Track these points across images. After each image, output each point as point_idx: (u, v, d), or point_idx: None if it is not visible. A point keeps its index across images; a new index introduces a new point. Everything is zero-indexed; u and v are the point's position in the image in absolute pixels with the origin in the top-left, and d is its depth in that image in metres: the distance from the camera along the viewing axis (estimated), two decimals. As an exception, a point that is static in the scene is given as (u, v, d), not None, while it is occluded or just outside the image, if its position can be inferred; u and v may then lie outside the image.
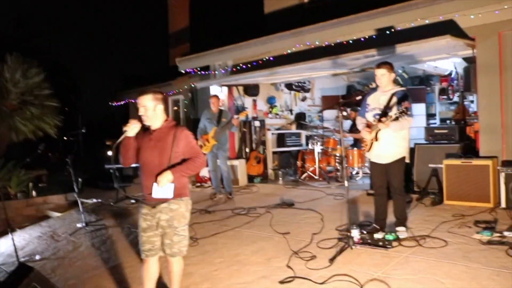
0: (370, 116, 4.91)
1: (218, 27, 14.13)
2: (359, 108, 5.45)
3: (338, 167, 9.11)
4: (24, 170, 10.25)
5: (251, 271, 4.47)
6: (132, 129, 3.60)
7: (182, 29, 15.20)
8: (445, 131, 7.20)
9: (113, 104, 16.37)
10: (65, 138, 10.93)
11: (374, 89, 5.00)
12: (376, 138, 4.78)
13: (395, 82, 5.06)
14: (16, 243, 7.35)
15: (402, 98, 4.65)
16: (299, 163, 9.73)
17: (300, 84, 11.13)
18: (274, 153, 10.59)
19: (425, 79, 10.77)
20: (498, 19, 6.23)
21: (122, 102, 16.06)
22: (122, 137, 3.63)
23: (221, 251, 5.22)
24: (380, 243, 4.56)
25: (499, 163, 6.17)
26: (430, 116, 10.63)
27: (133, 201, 8.58)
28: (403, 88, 4.92)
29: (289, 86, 11.11)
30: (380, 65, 4.90)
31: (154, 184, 3.52)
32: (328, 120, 11.54)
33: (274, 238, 5.45)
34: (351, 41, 7.54)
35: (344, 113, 9.19)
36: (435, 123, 10.25)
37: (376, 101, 4.90)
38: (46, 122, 10.65)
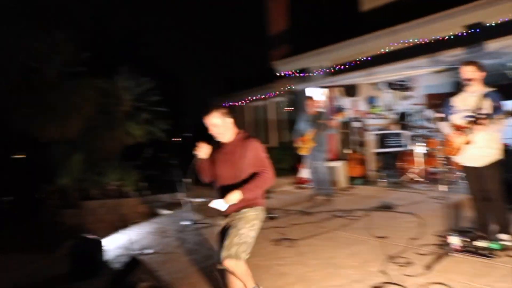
0: (458, 118, 4.67)
1: (316, 27, 14.13)
2: None
3: (443, 169, 8.69)
4: (138, 170, 11.14)
5: (345, 274, 4.49)
6: (202, 152, 3.73)
7: (281, 31, 15.41)
8: None
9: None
10: (173, 139, 11.68)
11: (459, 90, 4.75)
12: (469, 141, 4.53)
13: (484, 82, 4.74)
14: (131, 238, 8.13)
15: (498, 99, 4.39)
16: (400, 164, 9.44)
17: (401, 82, 10.77)
18: (375, 154, 10.37)
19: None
20: None
21: (226, 105, 16.67)
22: (195, 160, 3.80)
23: (317, 253, 5.28)
24: (482, 252, 4.32)
25: None
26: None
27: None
28: (494, 89, 4.60)
29: (389, 85, 10.81)
30: (467, 63, 4.65)
31: (217, 200, 3.63)
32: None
33: (370, 242, 5.40)
34: (450, 37, 7.18)
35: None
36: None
37: (463, 103, 4.66)
38: (155, 126, 11.50)
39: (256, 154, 3.64)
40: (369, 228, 5.93)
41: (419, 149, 8.86)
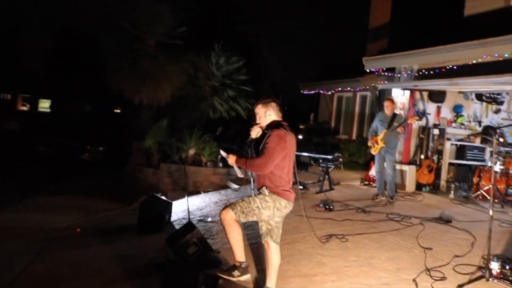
0: None
1: (418, 25, 13.77)
2: None
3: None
4: (217, 143, 11.81)
5: (377, 276, 4.67)
6: (255, 133, 4.17)
7: (382, 24, 15.19)
8: None
9: (304, 92, 17.30)
10: (253, 123, 12.18)
11: None
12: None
13: None
14: (198, 204, 8.76)
15: None
16: (475, 179, 9.16)
17: (492, 95, 10.32)
18: (451, 164, 10.12)
19: None
20: None
21: (313, 92, 16.86)
22: (249, 139, 4.22)
23: (359, 251, 5.47)
24: (519, 282, 4.29)
25: None
26: None
27: (301, 187, 9.26)
28: None
29: (479, 96, 10.40)
30: None
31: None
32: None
33: (414, 250, 5.47)
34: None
35: (501, 139, 8.34)
36: None
37: None
38: (239, 104, 12.04)
39: (267, 142, 3.97)
40: (418, 237, 5.98)
41: (496, 167, 8.55)
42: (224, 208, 4.18)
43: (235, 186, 10.48)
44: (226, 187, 10.86)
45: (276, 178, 4.05)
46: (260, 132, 4.17)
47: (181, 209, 8.41)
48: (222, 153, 4.38)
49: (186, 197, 7.04)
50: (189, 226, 5.62)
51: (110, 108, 37.74)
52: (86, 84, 34.02)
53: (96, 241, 7.07)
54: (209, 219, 7.41)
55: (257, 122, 4.22)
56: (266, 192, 4.07)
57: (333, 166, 9.59)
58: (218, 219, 7.29)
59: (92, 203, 10.92)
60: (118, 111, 38.38)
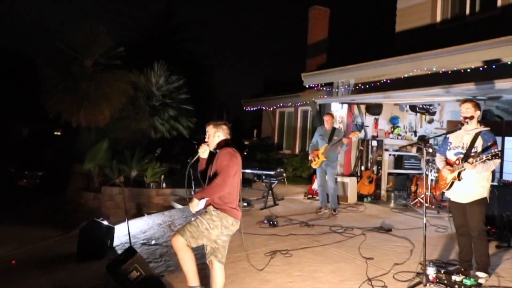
0: (451, 155, 4.81)
1: (355, 41, 14.29)
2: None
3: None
4: (160, 163, 11.62)
5: (321, 290, 4.71)
6: (203, 151, 4.27)
7: (320, 40, 15.63)
8: None
9: (247, 109, 17.42)
10: (194, 142, 12.10)
11: (457, 128, 4.87)
12: (458, 178, 4.66)
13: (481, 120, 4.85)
14: (141, 227, 8.55)
15: (489, 139, 4.50)
16: (413, 187, 9.51)
17: (425, 106, 10.81)
18: (390, 174, 10.46)
19: None
20: None
21: (255, 108, 17.00)
22: (196, 157, 4.32)
23: (303, 265, 5.50)
24: (455, 286, 4.45)
25: None
26: None
27: (245, 204, 9.26)
28: (487, 128, 4.70)
29: (413, 107, 10.86)
30: (465, 101, 4.78)
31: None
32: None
33: (356, 261, 5.57)
34: (468, 70, 7.25)
35: (430, 150, 8.78)
36: None
37: (459, 140, 4.78)
38: (180, 123, 11.95)
39: (219, 162, 4.06)
40: (360, 247, 6.11)
41: (430, 174, 8.92)
42: (174, 235, 4.13)
43: (179, 206, 10.34)
44: (170, 207, 10.69)
45: (226, 194, 4.08)
46: (207, 150, 4.27)
47: (123, 233, 8.16)
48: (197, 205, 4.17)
49: (126, 221, 6.85)
50: (130, 251, 5.45)
51: (50, 131, 36.34)
52: (24, 106, 32.59)
53: (33, 273, 6.73)
54: (153, 242, 7.25)
55: (206, 140, 4.31)
56: (212, 211, 4.08)
57: (276, 182, 9.66)
58: (162, 241, 7.23)
59: (29, 232, 10.42)
60: (59, 133, 37.03)
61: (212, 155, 4.24)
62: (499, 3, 8.49)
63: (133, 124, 11.53)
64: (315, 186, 10.10)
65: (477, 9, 9.24)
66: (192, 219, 4.22)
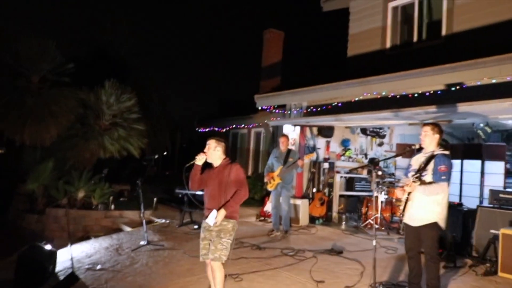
0: (410, 176, 4.87)
1: (308, 64, 14.49)
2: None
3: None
4: (109, 184, 11.24)
5: (271, 315, 4.60)
6: (200, 159, 4.69)
7: (275, 63, 15.80)
8: (511, 196, 6.81)
9: (200, 130, 17.30)
10: (144, 163, 11.85)
11: (420, 150, 4.96)
12: (408, 199, 4.72)
13: (441, 143, 4.96)
14: (86, 251, 8.17)
15: (440, 163, 4.59)
16: (363, 209, 9.63)
17: (375, 129, 11.04)
18: (341, 196, 10.56)
19: (513, 134, 10.19)
20: None
21: (208, 129, 16.91)
22: (192, 162, 4.74)
23: (253, 290, 5.39)
24: (403, 308, 4.45)
25: None
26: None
27: (196, 226, 9.08)
28: (445, 152, 4.78)
29: (363, 130, 11.07)
30: (424, 124, 4.89)
31: (214, 211, 4.55)
32: (401, 168, 11.26)
33: (307, 285, 5.52)
34: (416, 95, 7.48)
35: (379, 172, 9.00)
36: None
37: (417, 162, 4.86)
38: (131, 143, 11.65)
39: (236, 175, 4.69)
40: (311, 270, 6.06)
41: (381, 196, 9.06)
42: (213, 260, 4.56)
43: (128, 228, 10.02)
44: (119, 230, 10.32)
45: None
46: (204, 159, 4.71)
47: (68, 257, 7.80)
48: (210, 220, 4.60)
49: (69, 245, 6.51)
50: (71, 277, 5.20)
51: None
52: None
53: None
54: (98, 267, 6.90)
55: (205, 151, 4.76)
56: (229, 223, 4.66)
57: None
58: (108, 266, 6.92)
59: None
60: (1, 151, 35.37)
61: (207, 164, 4.76)
62: (443, 32, 8.83)
63: (82, 143, 11.13)
64: (267, 208, 10.06)
65: (423, 37, 9.59)
66: (202, 236, 4.71)
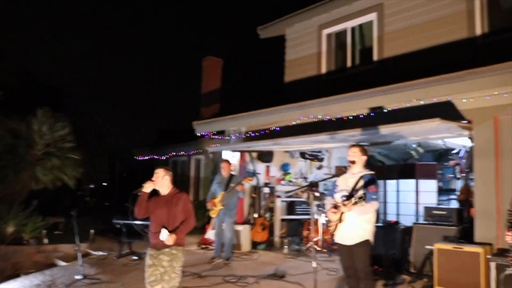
0: (338, 197, 4.94)
1: (247, 91, 14.61)
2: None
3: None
4: (42, 216, 10.64)
5: None
6: (148, 187, 4.82)
7: (214, 90, 15.84)
8: (444, 212, 7.10)
9: (139, 159, 16.94)
10: (79, 193, 11.39)
11: (345, 171, 5.06)
12: (340, 220, 4.78)
13: (368, 165, 5.10)
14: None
15: (368, 182, 4.70)
16: (305, 232, 9.68)
17: (313, 153, 11.21)
18: (283, 220, 10.58)
19: (443, 154, 10.64)
20: (493, 104, 6.23)
21: (147, 157, 16.59)
22: (139, 189, 4.84)
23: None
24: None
25: (493, 250, 6.01)
26: (451, 191, 10.42)
27: (135, 257, 8.76)
28: (371, 172, 4.94)
29: (302, 154, 11.21)
30: (352, 146, 5.02)
31: (163, 230, 4.64)
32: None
33: (249, 311, 5.42)
34: (351, 117, 7.70)
35: (316, 194, 9.19)
36: (454, 199, 9.99)
37: (344, 183, 4.95)
38: (65, 173, 11.18)
39: (184, 204, 4.88)
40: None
41: (321, 218, 9.15)
42: None
43: (63, 263, 9.51)
44: (52, 265, 9.76)
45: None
46: (152, 187, 4.84)
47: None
48: (163, 236, 4.68)
49: (5, 283, 6.08)
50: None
51: None
52: None
53: None
54: (27, 306, 6.50)
55: (153, 179, 4.90)
56: (176, 251, 4.79)
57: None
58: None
59: None
60: None
61: (159, 197, 4.93)
62: (375, 57, 9.20)
63: (12, 175, 10.56)
64: (208, 235, 9.92)
65: (357, 62, 9.94)
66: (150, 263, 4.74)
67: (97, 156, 14.10)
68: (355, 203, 4.52)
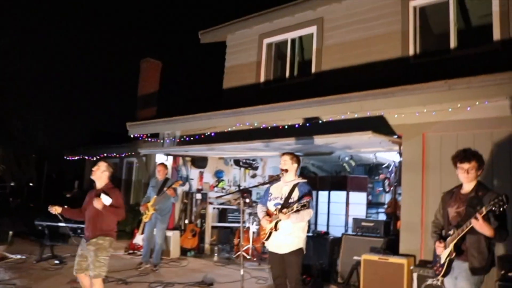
0: (271, 205, 4.90)
1: (186, 95, 14.41)
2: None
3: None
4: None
5: None
6: (54, 210, 5.05)
7: (151, 93, 15.51)
8: (371, 224, 7.27)
9: (68, 158, 16.24)
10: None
11: (278, 179, 5.04)
12: (275, 228, 4.74)
13: (302, 173, 5.14)
14: None
15: (304, 190, 4.71)
16: (236, 240, 9.60)
17: (248, 161, 11.20)
18: (214, 227, 10.45)
19: (374, 168, 10.95)
20: (422, 121, 6.48)
21: (77, 158, 15.93)
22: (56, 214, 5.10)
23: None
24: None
25: (416, 261, 6.22)
26: (380, 204, 10.75)
27: (57, 262, 8.29)
28: (304, 180, 4.96)
29: (237, 162, 11.17)
30: (284, 154, 5.01)
31: (102, 194, 4.82)
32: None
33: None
34: (286, 126, 7.75)
35: (247, 200, 9.25)
36: (383, 212, 10.30)
37: (278, 191, 4.92)
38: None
39: (115, 197, 4.92)
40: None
41: (252, 227, 9.12)
42: (94, 277, 4.84)
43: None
44: None
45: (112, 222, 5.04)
46: (58, 211, 5.05)
47: None
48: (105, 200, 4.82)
49: None
50: None
51: None
52: None
53: None
54: None
55: (93, 170, 5.08)
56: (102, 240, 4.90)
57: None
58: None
59: None
60: None
61: (93, 190, 5.06)
62: (313, 70, 9.34)
63: None
64: (136, 240, 9.60)
65: (295, 73, 10.06)
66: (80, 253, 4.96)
67: (24, 154, 13.26)
68: (297, 210, 4.49)
